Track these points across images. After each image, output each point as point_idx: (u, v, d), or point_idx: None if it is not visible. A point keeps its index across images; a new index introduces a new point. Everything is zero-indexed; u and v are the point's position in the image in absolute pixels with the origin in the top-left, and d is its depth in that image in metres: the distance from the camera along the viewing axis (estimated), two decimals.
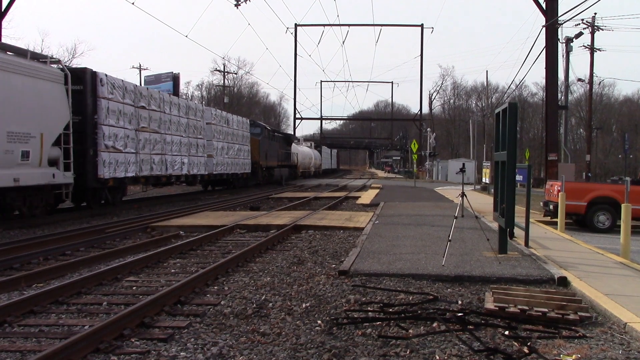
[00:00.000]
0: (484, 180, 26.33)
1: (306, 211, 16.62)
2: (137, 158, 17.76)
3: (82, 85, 15.14)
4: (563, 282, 7.04)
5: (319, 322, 5.46)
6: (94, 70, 15.67)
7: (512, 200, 8.61)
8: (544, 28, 19.37)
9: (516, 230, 9.84)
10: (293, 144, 45.58)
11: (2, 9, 20.57)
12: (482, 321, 5.48)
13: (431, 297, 6.32)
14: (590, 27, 35.51)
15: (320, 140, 76.24)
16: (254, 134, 31.99)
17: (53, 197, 14.53)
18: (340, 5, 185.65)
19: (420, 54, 58.74)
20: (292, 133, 58.09)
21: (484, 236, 9.98)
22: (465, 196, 10.71)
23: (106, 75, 16.02)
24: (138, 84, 22.23)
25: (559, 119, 27.53)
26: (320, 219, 13.97)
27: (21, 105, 12.58)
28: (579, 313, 5.56)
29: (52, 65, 14.23)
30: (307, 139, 69.36)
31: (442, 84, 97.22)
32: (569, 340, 4.95)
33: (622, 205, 9.36)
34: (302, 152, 50.02)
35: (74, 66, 15.34)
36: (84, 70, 15.54)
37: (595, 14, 41.24)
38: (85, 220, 14.57)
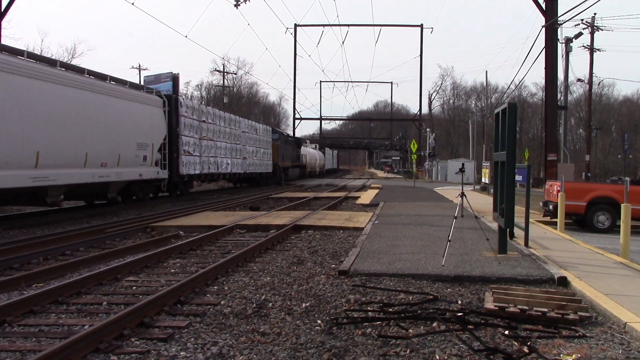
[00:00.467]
0: (483, 180, 26.34)
1: (306, 211, 16.63)
2: (200, 160, 23.19)
3: (170, 107, 20.53)
4: (563, 282, 7.05)
5: (319, 321, 5.46)
6: (177, 96, 21.71)
7: (512, 200, 8.62)
8: (544, 28, 19.37)
9: (516, 230, 9.85)
10: (302, 146, 50.50)
11: (2, 9, 20.56)
12: (482, 321, 5.48)
13: (431, 297, 6.32)
14: (589, 27, 35.53)
15: (320, 140, 76.67)
16: (273, 139, 37.48)
17: (156, 187, 20.33)
18: (340, 5, 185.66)
19: (419, 54, 58.83)
20: (292, 133, 58.40)
21: (483, 236, 9.99)
22: (465, 196, 10.72)
23: (183, 99, 22.53)
24: (201, 104, 28.84)
25: (559, 119, 27.54)
26: (320, 219, 13.98)
27: (141, 124, 18.11)
28: (579, 313, 5.56)
29: (154, 95, 19.79)
30: (306, 139, 70.24)
31: (441, 84, 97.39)
32: (569, 340, 4.96)
33: (622, 205, 9.37)
34: (310, 153, 54.78)
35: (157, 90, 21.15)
36: (170, 97, 21.00)
37: (595, 14, 41.35)
38: (85, 220, 14.57)
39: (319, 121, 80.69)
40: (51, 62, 14.64)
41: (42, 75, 13.32)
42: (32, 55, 13.95)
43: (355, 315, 5.67)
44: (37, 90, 12.98)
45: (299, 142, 49.93)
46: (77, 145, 14.51)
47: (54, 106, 13.60)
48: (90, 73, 15.95)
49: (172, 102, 20.75)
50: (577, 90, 65.33)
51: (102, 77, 16.53)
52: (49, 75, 13.59)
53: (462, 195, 10.68)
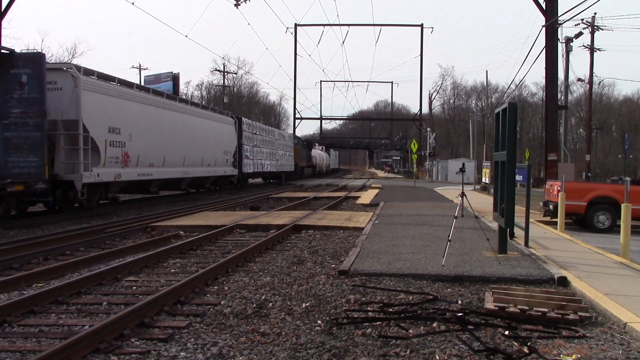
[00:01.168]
0: (483, 180, 26.33)
1: (306, 211, 16.62)
2: (253, 162, 31.59)
3: (237, 125, 28.97)
4: (563, 282, 7.05)
5: (319, 322, 5.46)
6: (241, 117, 30.76)
7: (512, 200, 8.61)
8: (544, 28, 19.36)
9: (516, 230, 9.84)
10: (312, 149, 59.18)
11: (2, 9, 20.56)
12: (482, 321, 5.48)
13: (431, 297, 6.32)
14: (590, 27, 35.52)
15: (320, 140, 77.16)
16: (294, 143, 46.61)
17: (230, 182, 28.84)
18: (340, 5, 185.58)
19: (420, 53, 58.66)
20: (293, 133, 58.68)
21: (483, 236, 9.98)
22: (465, 196, 10.71)
23: (245, 119, 31.66)
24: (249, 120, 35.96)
25: (559, 118, 27.53)
26: (320, 219, 13.97)
27: (225, 138, 26.70)
28: (579, 313, 5.56)
29: (230, 117, 28.53)
30: (307, 139, 71.42)
31: (442, 83, 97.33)
32: (569, 340, 4.96)
33: (622, 205, 9.37)
34: (319, 154, 64.99)
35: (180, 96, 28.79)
36: (239, 117, 30.02)
37: (595, 14, 41.32)
38: (85, 220, 14.57)
39: (319, 121, 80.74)
40: (170, 97, 21.93)
41: (174, 107, 20.97)
42: (156, 92, 20.37)
43: (355, 316, 5.67)
44: (173, 118, 20.65)
45: (310, 145, 58.43)
46: (198, 152, 22.84)
47: (188, 128, 21.94)
48: (192, 103, 24.78)
49: (237, 120, 29.33)
50: (578, 90, 65.41)
51: (200, 105, 26.26)
52: (176, 107, 21.25)
53: (463, 195, 10.68)
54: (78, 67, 15.03)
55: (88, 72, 15.49)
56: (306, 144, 55.49)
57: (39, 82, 13.40)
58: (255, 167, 32.28)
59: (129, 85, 18.14)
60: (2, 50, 13.56)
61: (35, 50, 13.22)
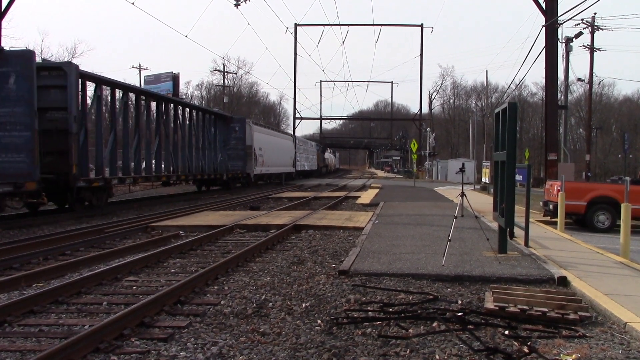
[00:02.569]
0: (483, 180, 26.33)
1: (306, 211, 16.62)
2: (299, 163, 47.78)
3: (294, 140, 46.22)
4: (563, 281, 7.05)
5: (319, 321, 5.46)
6: (295, 135, 50.60)
7: (512, 200, 8.61)
8: (544, 28, 19.35)
9: (516, 230, 9.84)
10: (325, 152, 76.46)
11: (2, 9, 20.54)
12: (482, 321, 5.48)
13: (431, 296, 6.32)
14: (590, 27, 35.52)
15: (320, 140, 77.77)
16: (317, 149, 64.47)
17: (292, 176, 44.16)
18: (340, 5, 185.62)
19: (420, 53, 58.70)
20: (293, 133, 59.04)
21: (483, 236, 9.99)
22: (465, 196, 10.71)
23: (297, 136, 51.76)
24: (290, 134, 51.94)
25: (559, 118, 27.52)
26: (320, 219, 13.97)
27: (291, 149, 44.58)
28: (579, 313, 5.56)
29: (291, 135, 48.81)
30: (307, 139, 73.29)
31: (442, 83, 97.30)
32: (569, 340, 4.96)
33: (622, 205, 9.37)
34: (329, 156, 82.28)
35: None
36: (294, 135, 49.32)
37: (595, 13, 41.32)
38: (85, 220, 14.58)
39: (319, 121, 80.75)
40: (272, 128, 44.11)
41: (273, 134, 39.26)
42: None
43: (355, 315, 5.67)
44: (275, 140, 39.12)
45: (324, 149, 75.41)
46: (283, 158, 40.12)
47: (279, 144, 39.52)
48: (279, 130, 50.26)
49: (293, 137, 45.75)
50: (578, 89, 65.39)
51: (280, 130, 51.40)
52: (274, 133, 40.25)
53: (462, 194, 10.68)
54: (250, 120, 33.40)
55: (255, 123, 34.92)
56: (322, 148, 72.31)
57: (28, 81, 13.41)
58: (302, 167, 50.66)
59: (263, 125, 40.95)
60: None
61: (25, 48, 13.19)
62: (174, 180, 22.96)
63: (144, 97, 20.35)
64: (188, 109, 24.39)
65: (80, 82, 15.78)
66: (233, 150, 29.40)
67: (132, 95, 19.45)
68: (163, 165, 21.29)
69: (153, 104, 21.54)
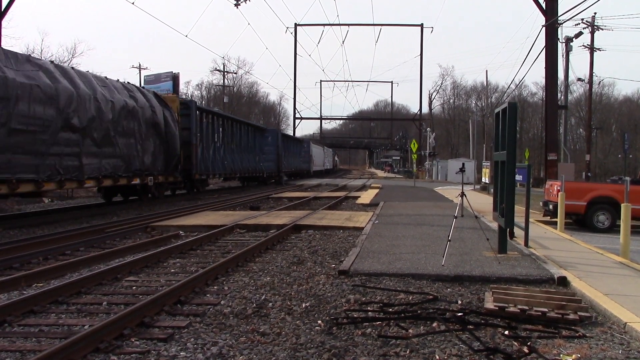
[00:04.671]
0: (483, 180, 26.32)
1: (306, 211, 16.62)
2: (317, 163, 63.10)
3: (324, 147, 73.56)
4: (563, 281, 7.05)
5: (319, 321, 5.46)
6: (323, 144, 76.32)
7: (512, 200, 8.61)
8: (544, 28, 19.35)
9: (516, 230, 9.85)
10: (334, 155, 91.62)
11: (2, 9, 20.55)
12: (482, 321, 5.48)
13: (431, 297, 6.32)
14: (590, 27, 35.52)
15: (321, 140, 78.41)
16: (332, 152, 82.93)
17: (327, 172, 72.40)
18: (340, 5, 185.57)
19: (420, 53, 58.81)
20: (293, 133, 59.44)
21: (483, 236, 9.98)
22: (465, 196, 10.71)
23: (325, 146, 76.19)
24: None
25: (559, 118, 27.51)
26: (320, 219, 13.97)
27: (323, 154, 70.72)
28: (579, 313, 5.56)
29: (323, 145, 76.03)
30: (307, 139, 75.14)
31: (442, 83, 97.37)
32: (569, 340, 4.96)
33: (622, 205, 9.36)
34: (336, 158, 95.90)
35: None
36: (326, 144, 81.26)
37: (595, 13, 41.31)
38: (85, 220, 14.57)
39: (319, 121, 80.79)
40: (317, 142, 71.91)
41: (319, 144, 71.78)
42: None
43: (355, 315, 5.67)
44: (320, 150, 68.50)
45: (334, 152, 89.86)
46: (322, 161, 69.24)
47: (319, 152, 66.31)
48: (323, 143, 76.08)
49: (305, 143, 55.99)
50: (578, 89, 65.40)
51: (301, 140, 60.59)
52: (321, 144, 73.68)
53: (462, 194, 10.68)
54: (279, 130, 46.31)
55: (314, 142, 68.06)
56: (332, 151, 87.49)
57: (277, 142, 37.94)
58: (319, 167, 64.38)
59: (316, 141, 72.15)
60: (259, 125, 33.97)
61: (274, 129, 41.24)
62: (232, 176, 30.58)
63: (221, 119, 27.72)
64: (238, 124, 30.88)
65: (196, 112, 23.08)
66: (266, 154, 36.73)
67: (215, 118, 26.62)
68: (228, 166, 28.27)
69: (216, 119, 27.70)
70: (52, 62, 15.14)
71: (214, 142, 25.77)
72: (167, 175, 20.34)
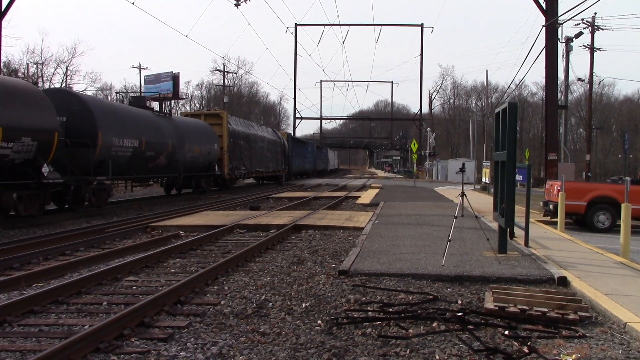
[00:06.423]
0: (483, 180, 26.33)
1: (306, 211, 16.62)
2: (325, 164, 73.50)
3: (333, 152, 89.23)
4: (563, 281, 7.04)
5: (319, 321, 5.46)
6: (313, 143, 65.50)
7: (512, 200, 8.61)
8: (544, 28, 19.34)
9: (516, 230, 9.84)
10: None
11: (2, 9, 20.55)
12: (482, 321, 5.48)
13: (431, 296, 6.32)
14: (590, 27, 35.51)
15: (321, 140, 78.65)
16: (336, 155, 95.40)
17: (335, 170, 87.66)
18: (340, 5, 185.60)
19: (420, 53, 58.83)
20: (293, 133, 59.44)
21: (483, 236, 9.98)
22: (465, 196, 10.70)
23: (320, 145, 73.30)
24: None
25: (559, 118, 27.52)
26: (320, 219, 13.97)
27: (331, 157, 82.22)
28: (579, 313, 5.56)
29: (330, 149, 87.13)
30: (307, 138, 76.22)
31: (442, 83, 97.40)
32: (569, 340, 4.96)
33: (622, 205, 9.36)
34: (336, 159, 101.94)
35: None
36: (312, 143, 64.88)
37: (595, 13, 41.25)
38: (85, 220, 14.58)
39: (319, 121, 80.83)
40: (320, 148, 69.61)
41: (325, 148, 76.99)
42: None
43: (355, 315, 5.67)
44: (328, 153, 78.14)
45: (334, 152, 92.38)
46: (330, 161, 78.22)
47: (324, 155, 72.99)
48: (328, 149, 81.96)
49: (333, 151, 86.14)
50: (578, 89, 65.42)
51: (327, 149, 77.06)
52: (327, 148, 79.36)
53: (463, 194, 10.67)
54: (289, 134, 48.51)
55: (293, 137, 55.16)
56: (336, 153, 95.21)
57: (315, 149, 59.03)
58: (331, 167, 74.63)
59: (319, 146, 67.46)
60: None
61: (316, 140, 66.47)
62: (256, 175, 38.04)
63: (298, 142, 42.81)
64: (302, 144, 46.54)
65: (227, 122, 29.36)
66: (276, 154, 43.58)
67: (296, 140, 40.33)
68: (255, 167, 34.94)
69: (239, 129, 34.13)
70: (246, 121, 34.37)
71: (294, 153, 44.81)
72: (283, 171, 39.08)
